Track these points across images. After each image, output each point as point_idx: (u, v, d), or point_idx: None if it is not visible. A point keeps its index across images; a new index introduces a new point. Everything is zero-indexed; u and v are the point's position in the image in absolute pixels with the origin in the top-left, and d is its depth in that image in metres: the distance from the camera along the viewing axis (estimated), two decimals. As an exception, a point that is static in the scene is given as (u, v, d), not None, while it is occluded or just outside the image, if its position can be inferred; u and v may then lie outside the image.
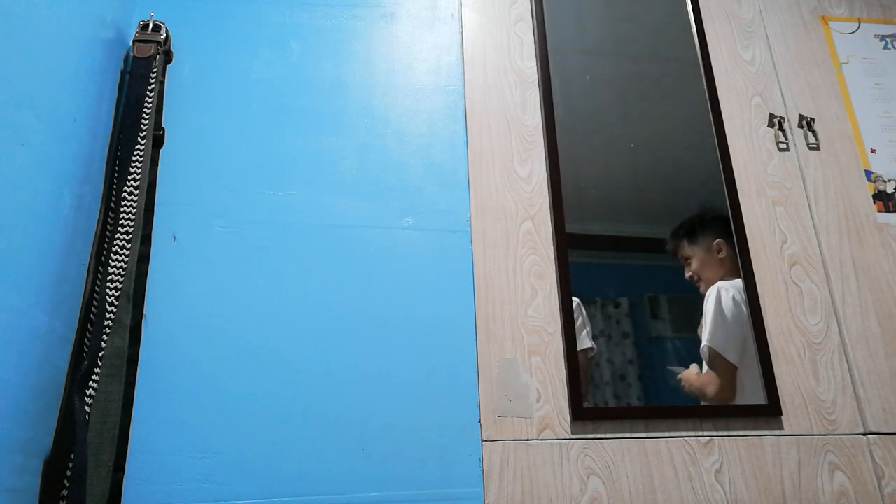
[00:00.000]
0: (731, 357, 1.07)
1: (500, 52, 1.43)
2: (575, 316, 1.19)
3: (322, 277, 1.15)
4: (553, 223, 1.26)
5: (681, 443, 1.13)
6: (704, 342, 1.08)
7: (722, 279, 1.19)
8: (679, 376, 1.11)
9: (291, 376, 1.07)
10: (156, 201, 1.15)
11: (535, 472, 1.08)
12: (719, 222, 1.25)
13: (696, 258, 1.16)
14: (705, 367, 1.09)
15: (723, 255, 1.18)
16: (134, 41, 1.20)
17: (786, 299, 1.29)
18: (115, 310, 0.98)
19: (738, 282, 1.22)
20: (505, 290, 1.20)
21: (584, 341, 1.19)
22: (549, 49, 1.42)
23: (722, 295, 1.13)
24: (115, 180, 1.09)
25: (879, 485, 1.16)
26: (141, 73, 1.17)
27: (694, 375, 1.11)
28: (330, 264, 1.16)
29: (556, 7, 1.49)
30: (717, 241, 1.20)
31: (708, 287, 1.17)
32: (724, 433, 1.15)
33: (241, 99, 1.28)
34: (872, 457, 1.18)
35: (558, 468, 1.08)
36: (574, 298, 1.21)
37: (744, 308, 1.11)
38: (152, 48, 1.19)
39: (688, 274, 1.14)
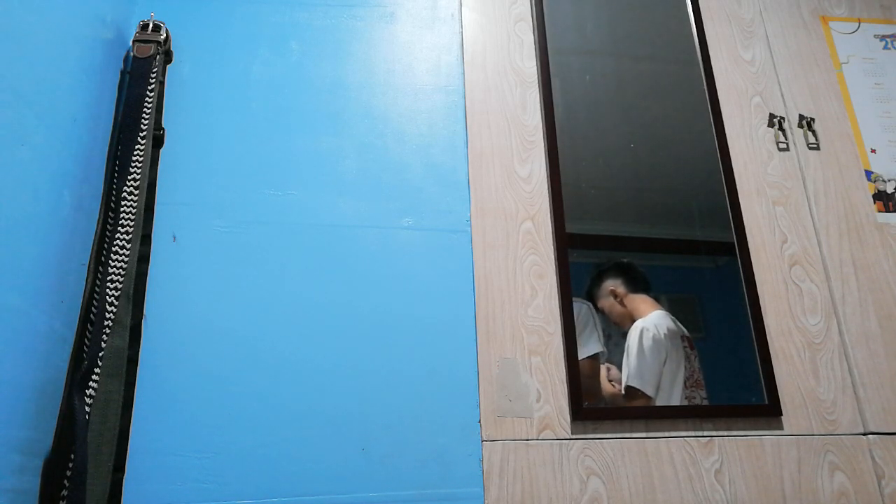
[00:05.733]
0: (649, 391, 1.18)
1: (500, 52, 1.43)
2: (585, 320, 1.20)
3: (322, 277, 1.15)
4: (553, 223, 1.26)
5: (681, 443, 1.13)
6: (627, 381, 1.18)
7: (638, 317, 1.24)
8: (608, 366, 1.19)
9: (291, 376, 1.07)
10: (156, 201, 1.15)
11: (535, 472, 1.08)
12: (609, 267, 1.28)
13: (607, 309, 1.24)
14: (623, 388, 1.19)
15: (620, 297, 1.25)
16: (134, 41, 1.20)
17: (786, 299, 1.29)
18: (115, 310, 0.98)
19: (655, 316, 1.24)
20: (505, 290, 1.20)
21: (595, 346, 1.19)
22: (549, 49, 1.42)
23: (643, 336, 1.21)
24: (114, 180, 1.09)
25: (879, 485, 1.16)
26: (141, 73, 1.17)
27: (606, 378, 1.19)
28: (330, 264, 1.16)
29: (556, 7, 1.49)
30: (609, 288, 1.25)
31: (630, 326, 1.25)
32: (724, 433, 1.15)
33: (241, 99, 1.27)
34: (872, 457, 1.18)
35: (558, 468, 1.08)
36: (585, 302, 1.21)
37: (663, 343, 1.21)
38: (152, 48, 1.19)
39: (613, 322, 1.24)
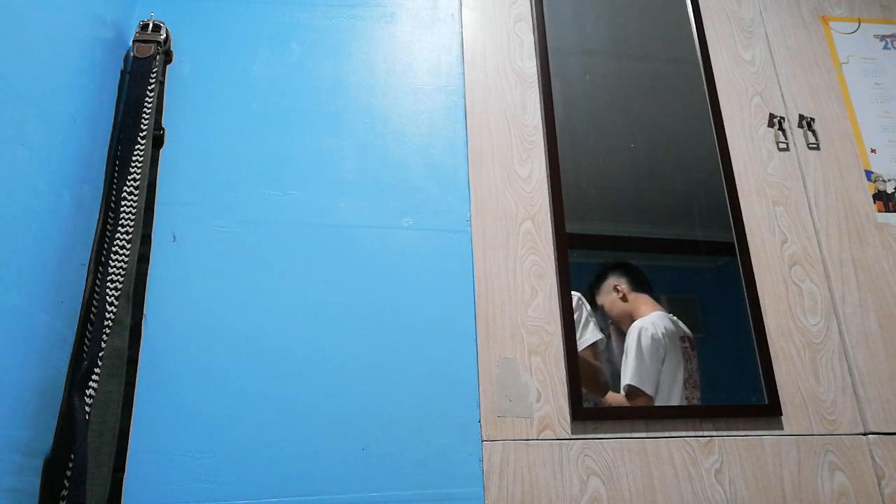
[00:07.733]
0: (649, 390, 1.18)
1: (500, 52, 1.43)
2: (577, 309, 1.20)
3: (322, 277, 1.15)
4: (553, 223, 1.26)
5: (681, 443, 1.13)
6: (627, 381, 1.18)
7: (638, 317, 1.24)
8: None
9: (291, 376, 1.07)
10: (156, 201, 1.15)
11: (535, 472, 1.08)
12: (615, 265, 1.29)
13: (608, 305, 1.25)
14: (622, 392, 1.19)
15: (623, 294, 1.25)
16: (134, 41, 1.20)
17: (786, 299, 1.29)
18: (115, 310, 0.98)
19: (654, 316, 1.24)
20: (505, 290, 1.20)
21: (594, 334, 1.20)
22: (549, 49, 1.42)
23: (642, 335, 1.22)
24: (114, 180, 1.09)
25: (879, 485, 1.16)
26: (141, 73, 1.17)
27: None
28: (330, 264, 1.16)
29: (556, 7, 1.49)
30: (613, 284, 1.26)
31: (628, 326, 1.24)
32: (724, 433, 1.15)
33: (241, 99, 1.27)
34: (872, 457, 1.18)
35: (558, 468, 1.08)
36: (574, 293, 1.21)
37: (662, 342, 1.22)
38: (152, 48, 1.19)
39: (609, 321, 1.24)
